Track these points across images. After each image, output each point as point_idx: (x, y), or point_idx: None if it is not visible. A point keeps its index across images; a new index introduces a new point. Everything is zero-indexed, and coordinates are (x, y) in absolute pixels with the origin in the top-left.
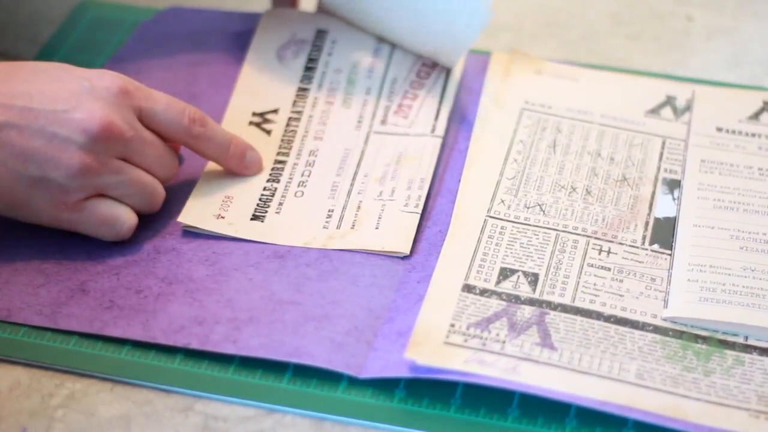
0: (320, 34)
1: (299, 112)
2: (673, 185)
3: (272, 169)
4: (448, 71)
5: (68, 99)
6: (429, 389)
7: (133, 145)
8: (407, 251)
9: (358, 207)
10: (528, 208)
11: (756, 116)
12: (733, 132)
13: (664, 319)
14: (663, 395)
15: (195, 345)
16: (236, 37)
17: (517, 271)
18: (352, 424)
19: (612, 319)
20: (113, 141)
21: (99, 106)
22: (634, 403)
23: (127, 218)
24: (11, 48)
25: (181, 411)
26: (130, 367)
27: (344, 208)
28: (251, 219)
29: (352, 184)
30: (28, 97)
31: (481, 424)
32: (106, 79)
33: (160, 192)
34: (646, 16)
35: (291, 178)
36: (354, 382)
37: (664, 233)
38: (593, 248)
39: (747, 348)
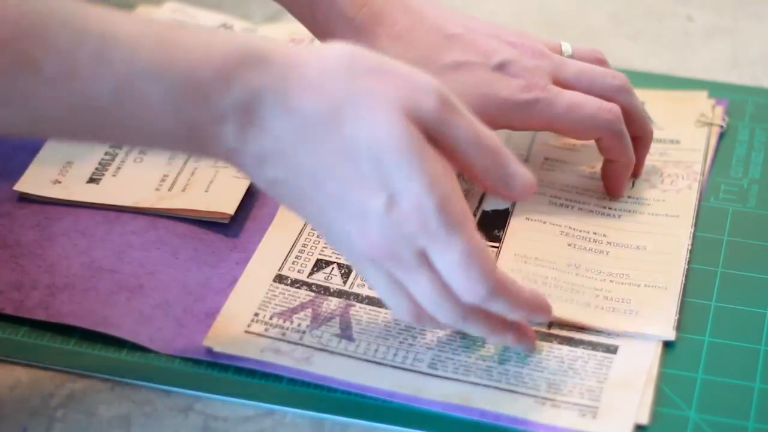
0: None
1: None
2: None
3: None
4: None
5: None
6: None
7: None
8: (231, 212)
9: (192, 173)
10: None
11: None
12: None
13: None
14: (452, 383)
15: (8, 311)
16: None
17: (332, 263)
18: (352, 424)
19: None
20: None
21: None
22: (421, 392)
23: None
24: None
25: (181, 411)
26: (130, 367)
27: (179, 173)
28: (87, 182)
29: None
30: (312, 179)
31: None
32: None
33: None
34: (646, 16)
35: None
36: None
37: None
38: None
39: (548, 337)
